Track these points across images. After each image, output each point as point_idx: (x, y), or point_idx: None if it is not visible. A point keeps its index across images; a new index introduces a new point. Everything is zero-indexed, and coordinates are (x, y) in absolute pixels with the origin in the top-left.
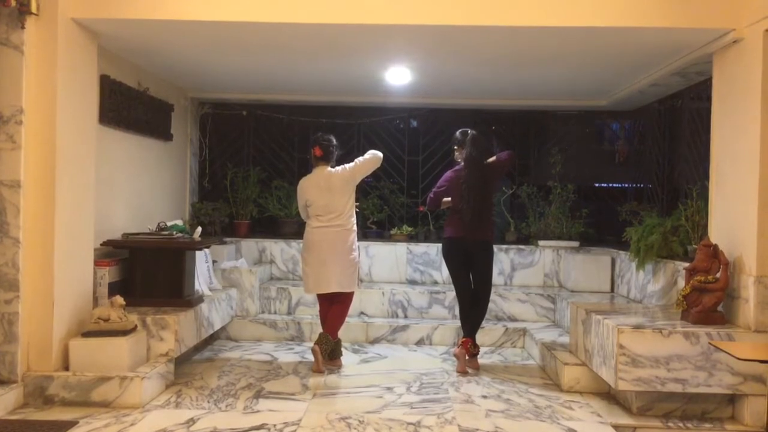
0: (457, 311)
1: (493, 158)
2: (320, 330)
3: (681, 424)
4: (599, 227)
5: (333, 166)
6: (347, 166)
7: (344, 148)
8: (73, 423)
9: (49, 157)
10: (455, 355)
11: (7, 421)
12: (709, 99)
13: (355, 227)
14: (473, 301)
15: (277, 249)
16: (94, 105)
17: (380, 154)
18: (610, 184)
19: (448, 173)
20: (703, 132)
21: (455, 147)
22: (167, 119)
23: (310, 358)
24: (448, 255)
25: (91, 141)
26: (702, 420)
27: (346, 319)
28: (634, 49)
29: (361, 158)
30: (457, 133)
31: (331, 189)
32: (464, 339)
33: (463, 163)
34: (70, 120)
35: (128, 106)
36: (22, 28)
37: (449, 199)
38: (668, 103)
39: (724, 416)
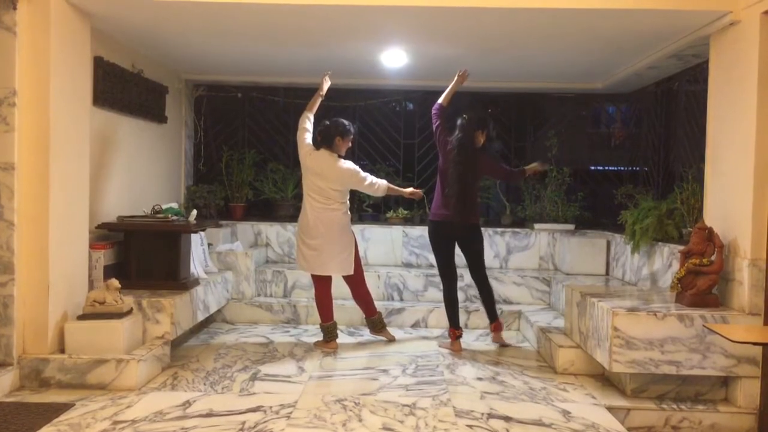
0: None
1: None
2: (316, 312)
3: (675, 406)
4: (595, 210)
5: (341, 156)
6: (353, 170)
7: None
8: (69, 405)
9: (43, 139)
10: (494, 341)
11: (4, 404)
12: (705, 81)
13: (347, 210)
14: (479, 286)
15: (273, 232)
16: (88, 86)
17: (384, 191)
18: (606, 167)
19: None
20: (699, 115)
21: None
22: (161, 101)
23: (306, 340)
24: (434, 237)
25: (85, 123)
26: (695, 402)
27: (343, 302)
28: (631, 31)
29: (370, 178)
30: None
31: (324, 177)
32: (494, 324)
33: (455, 146)
34: (64, 102)
35: (122, 88)
36: (15, 8)
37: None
38: (664, 86)
39: (718, 398)
